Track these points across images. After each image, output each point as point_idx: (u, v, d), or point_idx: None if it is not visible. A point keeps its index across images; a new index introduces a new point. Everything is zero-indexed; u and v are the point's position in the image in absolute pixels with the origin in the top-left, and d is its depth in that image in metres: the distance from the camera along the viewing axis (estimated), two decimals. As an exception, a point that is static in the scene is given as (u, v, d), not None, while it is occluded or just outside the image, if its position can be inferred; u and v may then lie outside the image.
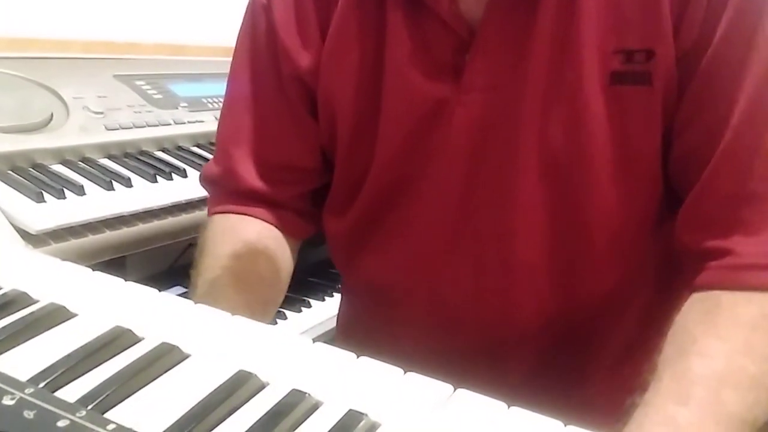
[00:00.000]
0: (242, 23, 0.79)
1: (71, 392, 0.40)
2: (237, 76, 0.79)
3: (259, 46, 0.76)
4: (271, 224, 0.77)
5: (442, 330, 0.75)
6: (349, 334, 0.90)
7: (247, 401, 0.40)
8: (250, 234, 0.76)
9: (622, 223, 0.68)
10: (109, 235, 0.87)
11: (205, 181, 0.82)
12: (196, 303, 0.50)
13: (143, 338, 0.45)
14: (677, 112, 0.64)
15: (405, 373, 0.43)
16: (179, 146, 1.14)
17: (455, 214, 0.71)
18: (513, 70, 0.65)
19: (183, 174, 1.03)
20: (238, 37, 0.79)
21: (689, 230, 0.65)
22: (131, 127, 1.08)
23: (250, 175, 0.77)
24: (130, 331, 0.46)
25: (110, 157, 1.02)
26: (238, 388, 0.41)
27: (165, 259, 1.23)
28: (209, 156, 1.12)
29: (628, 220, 0.68)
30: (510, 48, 0.65)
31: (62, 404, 0.38)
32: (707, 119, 0.62)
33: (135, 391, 0.41)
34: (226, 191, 0.79)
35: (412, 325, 0.77)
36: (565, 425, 0.39)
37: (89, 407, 0.38)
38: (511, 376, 0.74)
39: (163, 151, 1.10)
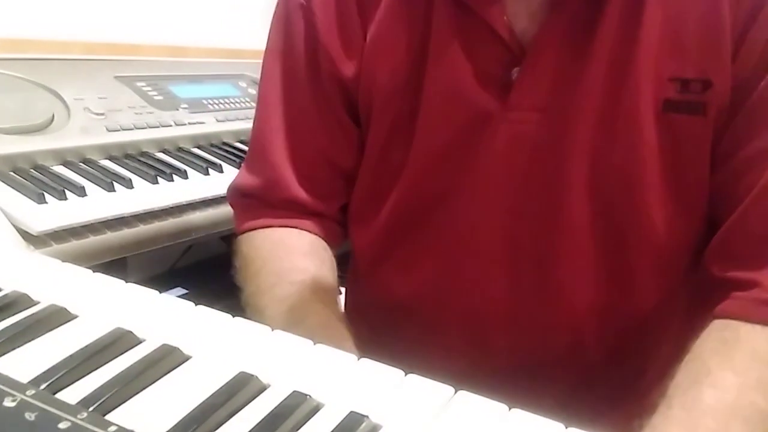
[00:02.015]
0: (274, 23, 0.76)
1: (72, 394, 0.40)
2: (270, 80, 0.76)
3: (295, 47, 0.73)
4: (318, 235, 0.75)
5: (473, 353, 0.73)
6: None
7: (248, 403, 0.40)
8: (304, 246, 0.73)
9: (666, 250, 0.67)
10: (110, 237, 0.87)
11: (239, 194, 0.78)
12: (273, 327, 0.47)
13: (144, 340, 0.45)
14: (722, 140, 0.63)
15: (406, 375, 0.43)
16: (180, 147, 1.14)
17: (493, 235, 0.69)
18: (565, 92, 0.64)
19: (184, 175, 1.03)
20: (269, 39, 0.76)
21: (718, 260, 0.63)
22: (132, 129, 1.08)
23: (293, 184, 0.73)
24: (131, 332, 0.46)
25: (111, 159, 1.02)
26: (239, 390, 0.41)
27: (166, 261, 1.23)
28: (210, 157, 1.12)
29: (672, 247, 0.67)
30: (564, 69, 0.64)
31: (63, 406, 0.38)
32: (749, 153, 0.61)
33: (136, 393, 0.40)
34: (266, 203, 0.75)
35: (439, 346, 0.74)
36: (567, 427, 0.39)
37: (90, 409, 0.38)
38: (543, 401, 0.73)
39: (163, 153, 1.10)
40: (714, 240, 0.64)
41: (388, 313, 0.79)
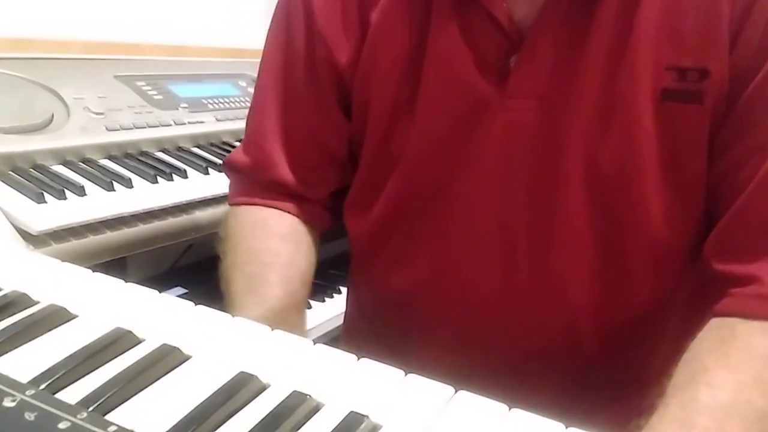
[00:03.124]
0: (276, 9, 0.78)
1: (72, 394, 0.40)
2: (268, 64, 0.78)
3: (293, 32, 0.75)
4: (299, 218, 0.76)
5: (466, 344, 0.73)
6: (354, 338, 0.88)
7: (248, 403, 0.40)
8: (283, 228, 0.75)
9: (664, 243, 0.66)
10: (109, 236, 0.87)
11: (231, 169, 0.81)
12: (233, 299, 0.49)
13: (144, 340, 0.45)
14: (720, 132, 0.63)
15: (406, 374, 0.43)
16: (180, 147, 1.13)
17: (489, 223, 0.69)
18: (562, 79, 0.64)
19: (183, 175, 1.03)
20: (270, 24, 0.78)
21: (717, 254, 0.63)
22: (132, 128, 1.07)
23: (282, 166, 0.76)
24: (131, 332, 0.46)
25: (111, 158, 1.02)
26: (239, 390, 0.41)
27: (166, 260, 1.23)
28: (210, 156, 1.12)
29: (670, 241, 0.66)
30: (561, 57, 0.64)
31: (63, 406, 0.38)
32: (747, 145, 0.61)
33: (136, 393, 0.40)
34: (254, 182, 0.77)
35: (435, 340, 0.75)
36: (567, 427, 0.39)
37: (90, 409, 0.38)
38: (538, 397, 0.73)
39: (163, 152, 1.10)
40: (713, 232, 0.64)
41: (386, 307, 0.79)
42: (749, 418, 0.54)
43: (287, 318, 0.67)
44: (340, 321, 1.17)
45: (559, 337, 0.71)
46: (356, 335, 0.88)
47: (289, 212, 0.76)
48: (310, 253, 0.76)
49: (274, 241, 0.73)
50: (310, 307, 1.17)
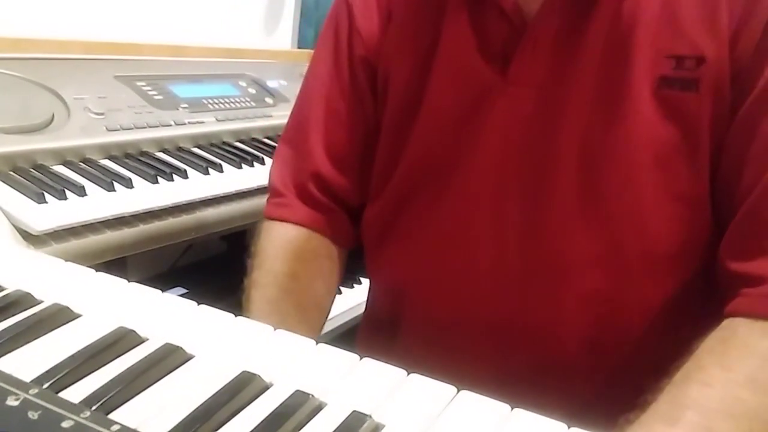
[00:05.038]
0: (328, 15, 0.81)
1: (75, 393, 0.40)
2: (315, 68, 0.81)
3: (339, 34, 0.78)
4: (328, 236, 0.79)
5: (456, 329, 0.74)
6: (371, 332, 0.89)
7: (251, 402, 0.40)
8: (308, 252, 0.77)
9: (662, 233, 0.66)
10: (110, 236, 0.87)
11: (276, 179, 0.82)
12: (251, 318, 0.50)
13: (147, 339, 0.46)
14: (729, 130, 0.63)
15: (408, 374, 0.43)
16: (180, 147, 1.13)
17: (485, 208, 0.70)
18: (561, 68, 0.65)
19: (184, 175, 1.03)
20: (322, 28, 0.82)
21: (731, 253, 0.63)
22: (132, 128, 1.08)
23: (322, 163, 0.78)
24: (134, 331, 0.46)
25: (111, 158, 1.02)
26: (241, 389, 0.41)
27: (166, 260, 1.23)
28: (209, 157, 1.12)
29: (669, 231, 0.66)
30: (561, 46, 0.65)
31: (66, 405, 0.38)
32: (758, 144, 0.61)
33: (139, 392, 0.41)
34: (291, 191, 0.80)
35: (428, 324, 0.76)
36: (569, 427, 0.39)
37: (93, 408, 0.38)
38: (514, 375, 0.73)
39: (163, 152, 1.10)
40: (728, 230, 0.63)
41: (393, 296, 0.81)
42: (738, 416, 0.54)
43: None
44: (343, 320, 1.18)
45: (547, 331, 0.70)
46: (371, 328, 0.90)
47: (317, 230, 0.79)
48: (330, 278, 0.79)
49: (295, 265, 0.76)
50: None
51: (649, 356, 0.69)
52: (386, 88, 0.75)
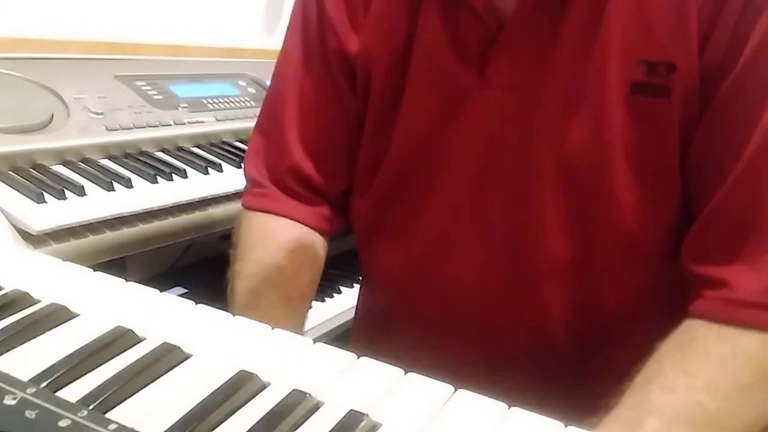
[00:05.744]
0: (294, 6, 0.80)
1: (73, 392, 0.40)
2: (286, 58, 0.80)
3: (308, 25, 0.77)
4: (310, 225, 0.78)
5: (442, 323, 0.75)
6: (363, 329, 0.90)
7: (248, 401, 0.40)
8: (290, 242, 0.76)
9: (636, 234, 0.67)
10: (109, 236, 0.87)
11: (252, 168, 0.81)
12: (235, 309, 0.50)
13: (144, 338, 0.46)
14: (695, 132, 0.63)
15: (405, 373, 0.43)
16: (179, 147, 1.14)
17: (466, 209, 0.70)
18: (535, 70, 0.65)
19: (183, 174, 1.03)
20: (289, 21, 0.81)
21: (693, 255, 0.64)
22: (131, 128, 1.08)
23: (299, 155, 0.77)
24: (132, 331, 0.46)
25: (110, 158, 1.02)
26: (239, 389, 0.41)
27: (165, 260, 1.23)
28: (209, 156, 1.12)
29: (642, 232, 0.67)
30: (535, 48, 0.65)
31: (64, 404, 0.38)
32: (722, 145, 0.61)
33: (136, 391, 0.41)
34: (268, 179, 0.79)
35: (417, 318, 0.77)
36: (566, 426, 0.39)
37: (91, 407, 0.38)
38: (513, 386, 0.73)
39: (163, 152, 1.10)
40: (690, 232, 0.64)
41: (382, 291, 0.82)
42: (698, 422, 0.54)
43: None
44: (340, 321, 1.18)
45: (533, 330, 0.71)
46: (363, 323, 0.90)
47: (299, 220, 0.78)
48: (314, 267, 0.78)
49: (279, 256, 0.75)
50: (310, 306, 1.17)
51: (630, 341, 0.69)
52: (367, 83, 0.74)
